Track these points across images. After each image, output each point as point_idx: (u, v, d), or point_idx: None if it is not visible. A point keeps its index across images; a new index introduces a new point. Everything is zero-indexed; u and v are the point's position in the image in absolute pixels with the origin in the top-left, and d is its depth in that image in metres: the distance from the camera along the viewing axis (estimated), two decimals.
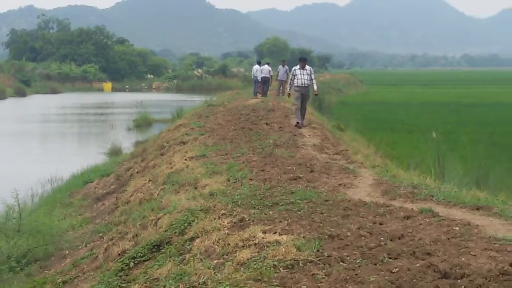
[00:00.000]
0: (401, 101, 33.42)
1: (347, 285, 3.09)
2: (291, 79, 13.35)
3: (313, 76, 13.08)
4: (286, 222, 4.75)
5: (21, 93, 51.75)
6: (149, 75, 70.64)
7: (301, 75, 12.83)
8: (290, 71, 16.71)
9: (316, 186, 6.74)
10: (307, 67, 13.10)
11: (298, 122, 12.89)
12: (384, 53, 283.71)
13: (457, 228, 4.36)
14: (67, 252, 7.92)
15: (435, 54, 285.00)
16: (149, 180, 9.95)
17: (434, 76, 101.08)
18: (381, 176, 7.47)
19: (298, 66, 13.10)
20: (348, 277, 3.21)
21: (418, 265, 3.32)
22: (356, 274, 3.26)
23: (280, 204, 5.64)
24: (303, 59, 13.57)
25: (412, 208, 5.36)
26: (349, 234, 4.25)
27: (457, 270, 3.13)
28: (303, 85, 12.86)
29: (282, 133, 12.08)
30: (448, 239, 4.01)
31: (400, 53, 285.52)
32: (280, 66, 19.69)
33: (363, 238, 4.14)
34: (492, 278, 3.00)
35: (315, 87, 13.34)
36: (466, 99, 35.95)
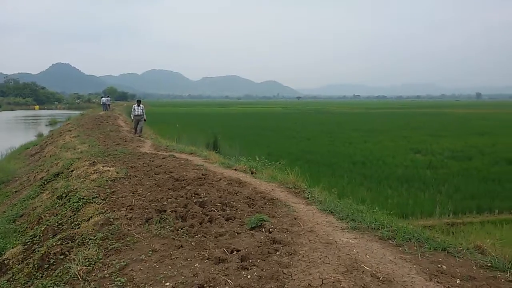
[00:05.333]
0: (166, 112, 66.51)
1: (137, 186, 7.82)
2: (132, 111, 20.15)
3: (144, 110, 20.06)
4: (113, 162, 9.36)
5: None
6: (56, 102, 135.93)
7: (137, 110, 19.68)
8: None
9: (127, 146, 12.40)
10: (141, 105, 20.01)
11: (135, 132, 19.68)
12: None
13: (183, 161, 9.75)
14: (17, 178, 13.74)
15: None
16: (54, 147, 18.76)
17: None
18: (154, 142, 14.55)
19: (136, 104, 20.00)
20: (138, 183, 7.92)
21: (167, 176, 8.26)
22: (141, 181, 8.01)
23: (111, 155, 10.40)
24: (138, 101, 20.62)
25: (166, 154, 10.72)
26: (139, 166, 9.12)
27: (182, 177, 8.18)
28: (138, 115, 19.74)
29: (113, 126, 23.90)
30: (179, 166, 9.27)
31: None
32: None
33: (145, 167, 9.03)
34: (195, 180, 8.04)
35: (144, 116, 20.15)
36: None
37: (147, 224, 5.42)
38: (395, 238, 4.58)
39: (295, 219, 5.41)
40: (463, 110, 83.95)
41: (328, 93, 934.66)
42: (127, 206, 6.16)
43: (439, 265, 3.85)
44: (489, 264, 3.88)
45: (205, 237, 4.83)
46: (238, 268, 3.83)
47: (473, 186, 14.40)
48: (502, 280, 3.58)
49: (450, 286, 3.46)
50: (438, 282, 3.52)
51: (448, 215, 11.55)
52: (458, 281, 3.54)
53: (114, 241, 4.90)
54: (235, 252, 4.26)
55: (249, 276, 3.63)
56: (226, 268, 3.83)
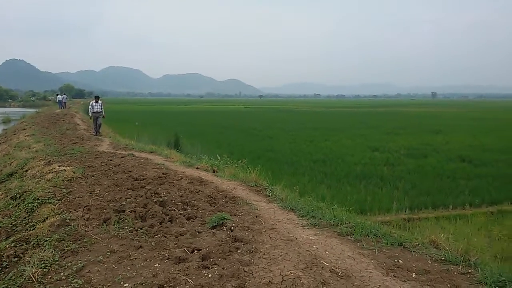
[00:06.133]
0: (125, 110, 63.01)
1: (94, 186, 7.63)
2: (90, 108, 18.78)
3: (103, 107, 18.84)
4: (69, 161, 9.08)
5: None
6: (10, 100, 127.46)
7: (95, 106, 18.52)
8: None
9: (84, 145, 11.98)
10: (99, 101, 18.71)
11: (95, 132, 18.33)
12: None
13: (142, 160, 9.57)
14: None
15: None
16: (8, 146, 18.20)
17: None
18: (112, 141, 14.22)
19: (94, 101, 18.77)
20: (95, 183, 7.73)
21: (125, 176, 8.11)
22: (99, 181, 7.82)
23: (68, 154, 10.10)
24: (97, 97, 19.09)
25: (125, 153, 10.53)
26: (97, 165, 8.89)
27: (142, 176, 8.03)
28: (96, 112, 18.53)
29: (70, 124, 23.36)
30: (139, 165, 9.10)
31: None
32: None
33: (102, 166, 8.81)
34: (155, 179, 7.92)
35: (103, 113, 18.94)
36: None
37: (105, 224, 5.29)
38: (353, 234, 4.67)
39: (256, 217, 5.42)
40: (419, 109, 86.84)
41: (289, 91, 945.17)
42: (84, 207, 6.00)
43: (395, 260, 3.96)
44: (443, 258, 4.02)
45: (165, 237, 4.76)
46: (199, 267, 3.80)
47: (428, 183, 14.89)
48: (455, 273, 3.72)
49: (406, 280, 3.56)
50: (394, 276, 3.62)
51: (405, 211, 11.88)
52: (413, 275, 3.65)
53: (71, 242, 4.76)
54: (196, 251, 4.22)
55: (210, 275, 3.61)
56: (187, 268, 3.79)
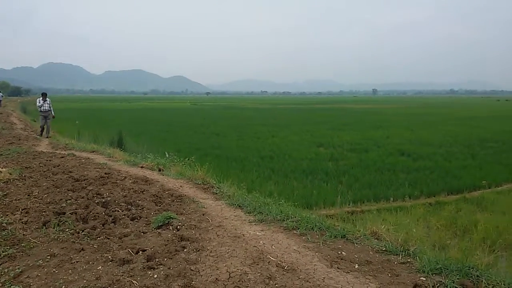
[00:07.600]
0: (65, 108, 54.66)
1: (32, 188, 7.27)
2: (38, 107, 17.11)
3: (51, 105, 17.21)
4: (5, 162, 8.57)
5: None
6: None
7: (43, 105, 16.88)
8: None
9: (21, 145, 11.41)
10: (47, 99, 17.08)
11: (41, 133, 16.70)
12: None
13: (84, 160, 9.25)
14: None
15: None
16: None
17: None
18: (52, 140, 13.98)
19: (41, 98, 17.03)
20: (33, 184, 7.37)
21: (66, 176, 7.80)
22: (37, 182, 7.46)
23: (3, 155, 9.60)
24: (44, 94, 17.45)
25: (65, 153, 10.12)
26: (35, 166, 8.48)
27: (83, 177, 7.77)
28: (45, 111, 16.92)
29: (6, 123, 22.22)
30: (80, 165, 8.79)
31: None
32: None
33: (41, 167, 8.41)
34: (97, 179, 7.67)
35: (53, 112, 17.34)
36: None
37: (44, 227, 5.06)
38: (299, 228, 4.76)
39: (203, 215, 5.39)
40: (361, 105, 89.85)
41: (236, 88, 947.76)
42: (22, 210, 5.70)
43: (339, 252, 4.08)
44: (384, 249, 4.18)
45: (109, 238, 4.63)
46: (144, 268, 3.72)
47: (370, 176, 15.46)
48: (395, 263, 3.88)
49: (349, 271, 3.67)
50: (338, 268, 3.72)
51: (349, 204, 12.25)
52: (356, 266, 3.77)
53: (8, 247, 4.50)
54: (140, 252, 4.13)
55: (155, 276, 3.55)
56: (131, 269, 3.70)
